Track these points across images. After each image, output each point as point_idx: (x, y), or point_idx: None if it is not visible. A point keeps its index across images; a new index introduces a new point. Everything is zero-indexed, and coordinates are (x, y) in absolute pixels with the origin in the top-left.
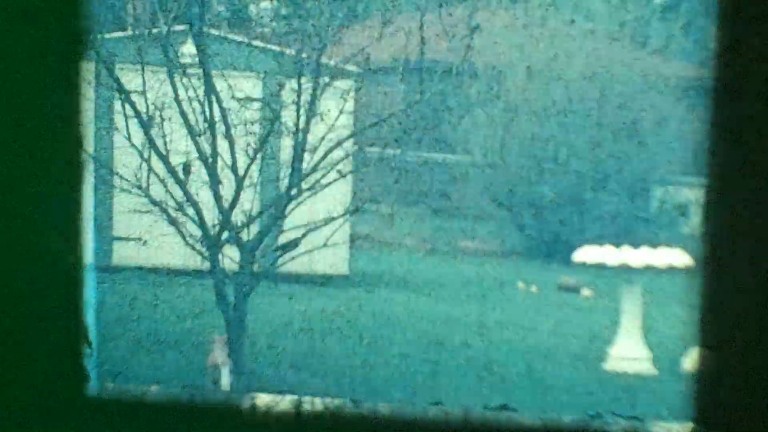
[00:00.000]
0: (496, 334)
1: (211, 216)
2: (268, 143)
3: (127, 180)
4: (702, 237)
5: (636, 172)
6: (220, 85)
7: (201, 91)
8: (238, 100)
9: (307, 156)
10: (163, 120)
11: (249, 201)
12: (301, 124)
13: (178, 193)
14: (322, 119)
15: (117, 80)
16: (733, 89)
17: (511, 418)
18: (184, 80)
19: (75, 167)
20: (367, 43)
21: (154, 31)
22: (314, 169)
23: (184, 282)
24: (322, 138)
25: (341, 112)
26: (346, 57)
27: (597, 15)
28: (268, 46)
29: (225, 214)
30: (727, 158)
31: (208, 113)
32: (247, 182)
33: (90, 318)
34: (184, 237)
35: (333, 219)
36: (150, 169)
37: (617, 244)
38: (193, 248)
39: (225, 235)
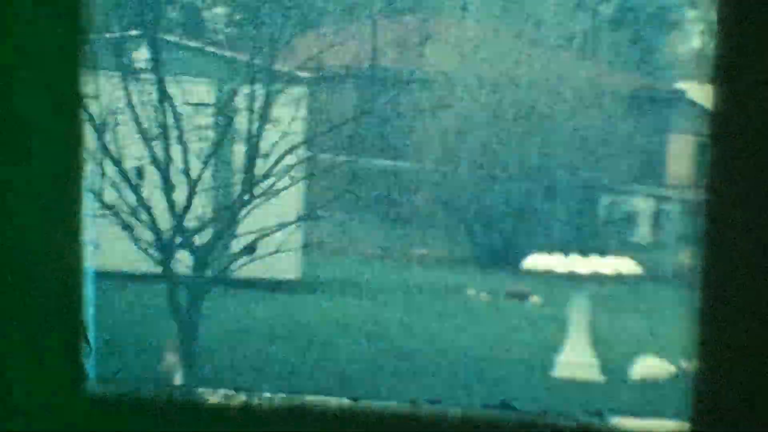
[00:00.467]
0: (445, 340)
1: (164, 221)
2: (221, 149)
3: None
4: (701, 239)
5: (585, 182)
6: (173, 90)
7: (154, 97)
8: (192, 105)
9: (259, 162)
10: (116, 125)
11: (202, 206)
12: (254, 130)
13: (131, 198)
14: (275, 126)
15: None
16: (732, 91)
17: (510, 417)
18: (138, 85)
19: (74, 168)
20: (319, 50)
21: (108, 36)
22: (267, 175)
23: (137, 286)
24: (275, 144)
25: (294, 118)
26: (299, 64)
27: (547, 26)
28: (222, 52)
29: (178, 218)
30: (726, 160)
31: (161, 118)
32: (200, 187)
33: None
34: (136, 241)
35: (285, 225)
36: (103, 174)
37: (566, 252)
38: (146, 253)
39: (178, 239)
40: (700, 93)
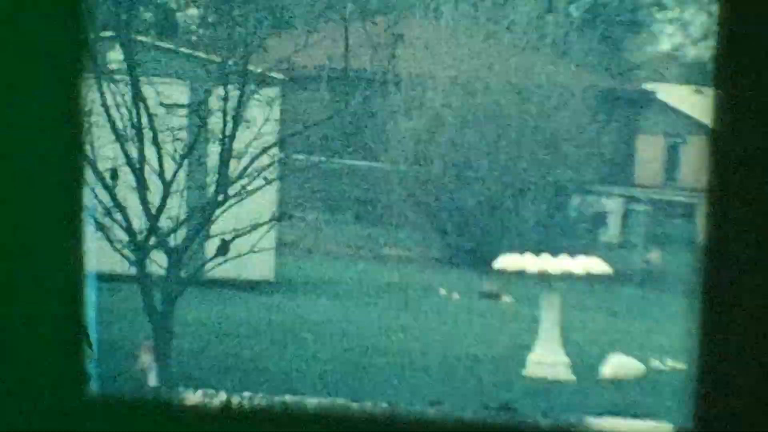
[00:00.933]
0: (418, 339)
1: (138, 221)
2: (195, 149)
3: None
4: (703, 240)
5: (555, 182)
6: (147, 91)
7: (128, 98)
8: (166, 106)
9: (233, 162)
10: (90, 126)
11: (176, 207)
12: (228, 131)
13: (106, 199)
14: (248, 126)
15: None
16: (733, 93)
17: (511, 419)
18: (112, 86)
19: (74, 170)
20: (292, 51)
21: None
22: (241, 176)
23: (112, 287)
24: (249, 145)
25: (267, 119)
26: (272, 65)
27: (518, 28)
28: (195, 53)
29: (152, 219)
30: (727, 162)
31: (135, 119)
32: (174, 188)
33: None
34: (111, 242)
35: (259, 225)
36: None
37: (537, 252)
38: (121, 253)
39: (152, 240)
40: (669, 94)
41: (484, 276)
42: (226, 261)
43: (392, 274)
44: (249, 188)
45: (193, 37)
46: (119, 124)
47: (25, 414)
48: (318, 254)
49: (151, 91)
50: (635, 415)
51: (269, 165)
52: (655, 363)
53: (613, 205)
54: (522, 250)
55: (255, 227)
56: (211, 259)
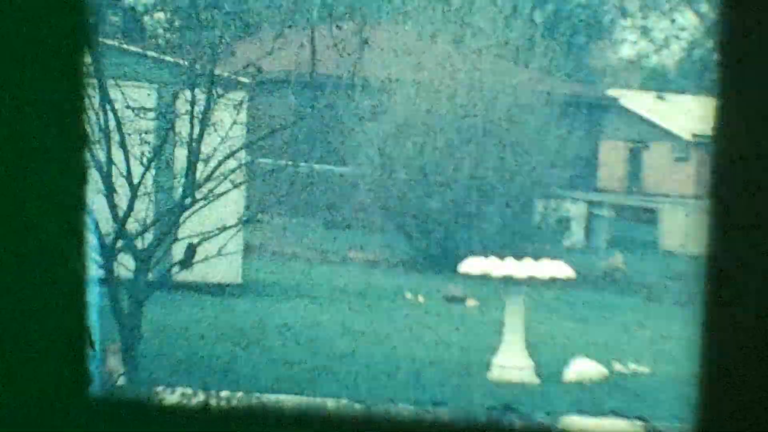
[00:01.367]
0: (383, 342)
1: (105, 224)
2: (162, 153)
3: None
4: (704, 243)
5: (519, 186)
6: (114, 94)
7: (96, 101)
8: (133, 109)
9: (200, 166)
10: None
11: (143, 210)
12: (195, 135)
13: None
14: (216, 130)
15: None
16: (734, 96)
17: (514, 420)
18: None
19: (77, 173)
20: (259, 55)
21: None
22: (208, 179)
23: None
24: (216, 148)
25: (234, 123)
26: (239, 69)
27: (483, 33)
28: (163, 57)
29: (119, 222)
30: (729, 165)
31: (102, 122)
32: (141, 191)
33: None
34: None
35: (226, 228)
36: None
37: (501, 256)
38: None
39: (120, 243)
40: (633, 100)
41: (449, 280)
42: (193, 264)
43: (358, 278)
44: (216, 192)
45: (160, 41)
46: (86, 127)
47: (28, 414)
48: (284, 258)
49: (119, 94)
50: (637, 417)
51: (236, 169)
52: (618, 366)
53: (576, 209)
54: (486, 253)
55: (222, 230)
56: (178, 263)
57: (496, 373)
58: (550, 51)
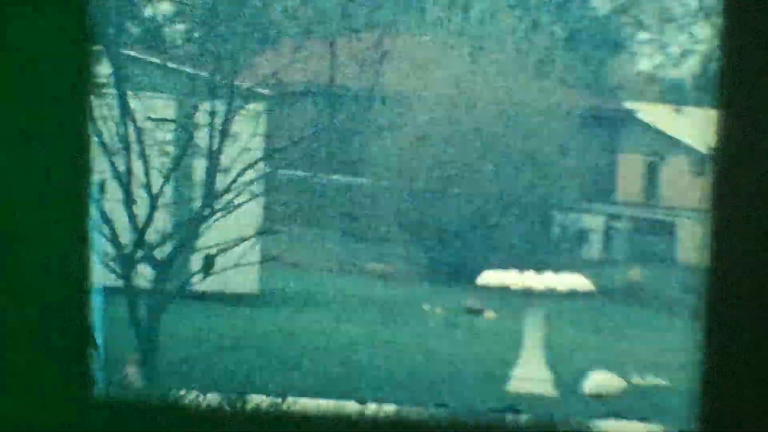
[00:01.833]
0: (400, 354)
1: (125, 234)
2: (181, 164)
3: None
4: (706, 247)
5: (538, 199)
6: (134, 105)
7: (116, 111)
8: (153, 120)
9: (220, 177)
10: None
11: (163, 220)
12: (215, 146)
13: (93, 212)
14: (235, 141)
15: None
16: (736, 102)
17: (517, 420)
18: (100, 100)
19: (81, 178)
20: (279, 67)
21: None
22: (227, 190)
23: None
24: (235, 159)
25: (253, 134)
26: (259, 81)
27: (502, 46)
28: (183, 68)
29: (139, 232)
30: (731, 168)
31: (122, 133)
32: (160, 202)
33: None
34: (98, 255)
35: (244, 239)
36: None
37: (520, 269)
38: (107, 266)
39: (139, 253)
40: (650, 113)
41: (468, 292)
42: (211, 275)
43: (376, 289)
44: (235, 202)
45: (180, 52)
46: (107, 138)
47: (32, 415)
48: (302, 268)
49: (139, 105)
50: (640, 418)
51: (255, 180)
52: (636, 379)
53: (594, 222)
54: (505, 266)
55: (240, 241)
56: (197, 273)
57: (514, 386)
58: (569, 64)
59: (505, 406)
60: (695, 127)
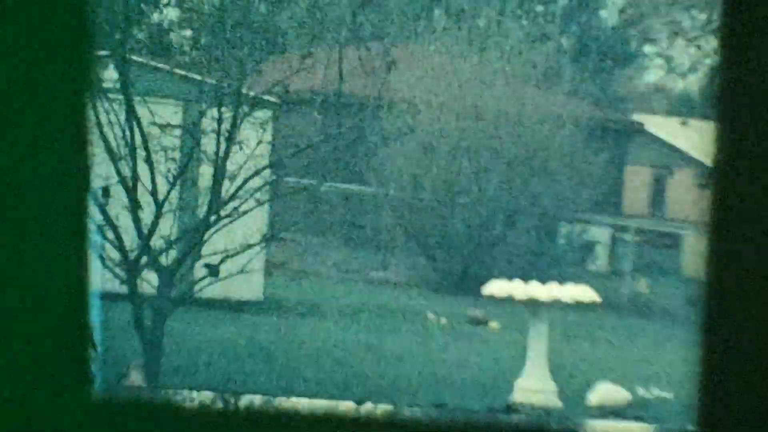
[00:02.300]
0: (404, 364)
1: (130, 240)
2: (187, 170)
3: None
4: (705, 248)
5: (544, 210)
6: (141, 111)
7: (122, 117)
8: (159, 126)
9: (226, 183)
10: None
11: (168, 226)
12: (221, 152)
13: (98, 216)
14: (241, 148)
15: None
16: (734, 103)
17: (515, 421)
18: (106, 105)
19: (80, 178)
20: (286, 74)
21: None
22: (233, 197)
23: (102, 305)
24: (241, 166)
25: (260, 141)
26: (266, 88)
27: (510, 56)
28: (190, 74)
29: (144, 238)
30: (730, 167)
31: (128, 138)
32: (166, 208)
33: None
34: (103, 260)
35: (250, 246)
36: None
37: (525, 279)
38: (112, 271)
39: (144, 259)
40: (658, 125)
41: (472, 302)
42: (215, 281)
43: (380, 298)
44: (240, 209)
45: (186, 59)
46: (112, 143)
47: (31, 415)
48: (306, 276)
49: (145, 111)
50: (638, 418)
51: (261, 187)
52: (642, 391)
53: (601, 234)
54: (510, 276)
55: (245, 248)
56: (201, 279)
57: (518, 396)
58: (576, 75)
59: (504, 406)
60: (702, 140)
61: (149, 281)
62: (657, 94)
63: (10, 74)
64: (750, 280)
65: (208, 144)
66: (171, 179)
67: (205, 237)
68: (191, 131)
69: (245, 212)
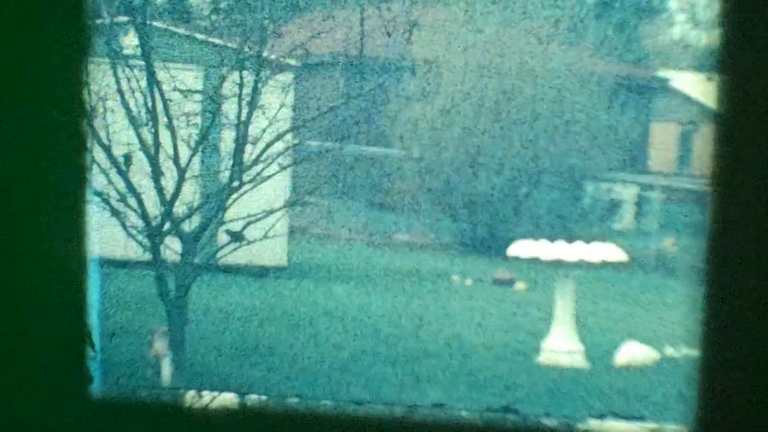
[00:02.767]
0: (430, 326)
1: (152, 207)
2: (209, 135)
3: None
4: (705, 240)
5: (569, 169)
6: (162, 76)
7: (143, 83)
8: (181, 91)
9: (248, 148)
10: (105, 111)
11: (191, 193)
12: (243, 117)
13: (120, 184)
14: (263, 112)
15: None
16: (735, 93)
17: (515, 421)
18: (127, 71)
19: (77, 173)
20: (307, 37)
21: (97, 22)
22: (255, 162)
23: (125, 272)
24: (263, 131)
25: (282, 105)
26: (287, 51)
27: (533, 13)
28: (210, 38)
29: (167, 205)
30: (729, 161)
31: (150, 104)
32: (188, 174)
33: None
34: (125, 228)
35: (273, 211)
36: (92, 160)
37: (551, 239)
38: (135, 239)
39: (167, 226)
40: (683, 81)
41: (498, 263)
42: (239, 247)
43: (404, 261)
44: (263, 174)
45: (207, 23)
46: (134, 109)
47: (29, 414)
48: (330, 240)
49: (166, 76)
50: (638, 417)
51: (283, 151)
52: (670, 350)
53: (626, 192)
54: (536, 236)
55: (269, 213)
56: (225, 245)
57: (545, 357)
58: (600, 32)
59: (503, 406)
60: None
61: (172, 248)
62: (682, 49)
63: (5, 69)
64: (750, 280)
65: (230, 109)
66: (193, 145)
67: (228, 203)
68: (212, 96)
69: (268, 177)
